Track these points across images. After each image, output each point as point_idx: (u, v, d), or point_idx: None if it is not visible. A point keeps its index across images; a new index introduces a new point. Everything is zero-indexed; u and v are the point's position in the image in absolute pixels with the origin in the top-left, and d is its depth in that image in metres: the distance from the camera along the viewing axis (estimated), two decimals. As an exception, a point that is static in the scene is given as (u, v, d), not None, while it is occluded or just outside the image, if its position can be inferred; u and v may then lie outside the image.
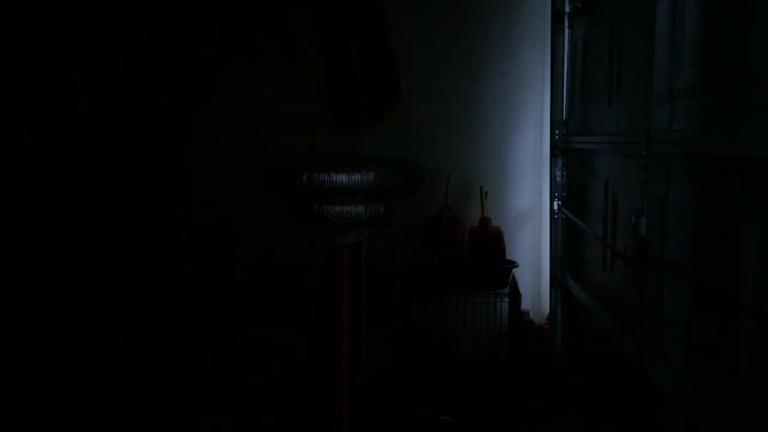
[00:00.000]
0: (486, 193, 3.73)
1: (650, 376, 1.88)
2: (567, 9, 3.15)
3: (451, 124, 3.97)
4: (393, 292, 3.46)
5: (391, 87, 3.90)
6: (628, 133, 2.16)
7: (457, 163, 3.91)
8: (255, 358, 3.38)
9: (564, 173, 3.18)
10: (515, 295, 3.31)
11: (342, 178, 1.49)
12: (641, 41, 2.01)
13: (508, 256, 3.68)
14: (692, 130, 1.66)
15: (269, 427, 3.07)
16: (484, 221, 3.70)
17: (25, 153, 3.17)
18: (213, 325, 3.65)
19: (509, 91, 3.93)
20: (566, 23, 3.16)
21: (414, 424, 3.07)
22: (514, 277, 3.45)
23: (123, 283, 3.50)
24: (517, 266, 3.47)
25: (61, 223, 3.30)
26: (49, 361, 3.14)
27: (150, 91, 3.86)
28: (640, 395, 1.97)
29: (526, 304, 3.70)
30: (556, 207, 3.22)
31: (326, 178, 1.49)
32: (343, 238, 1.68)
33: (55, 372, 3.14)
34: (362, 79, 3.89)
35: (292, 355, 3.37)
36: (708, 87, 1.59)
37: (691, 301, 1.70)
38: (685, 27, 1.70)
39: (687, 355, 1.71)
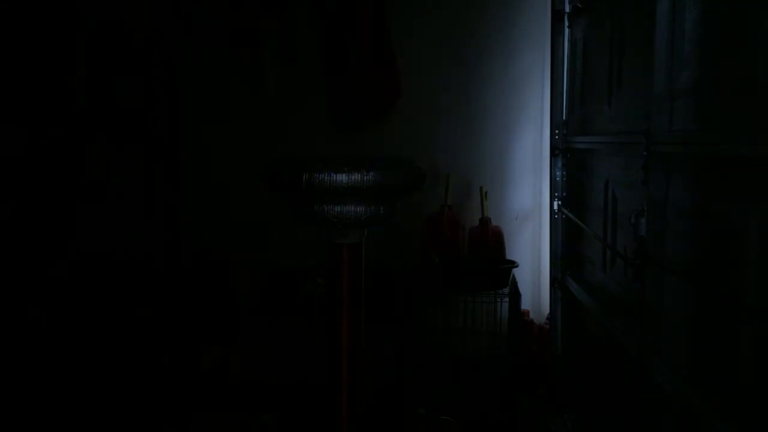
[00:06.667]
0: (486, 193, 3.73)
1: (650, 376, 1.88)
2: (567, 9, 3.15)
3: (451, 123, 3.97)
4: (393, 292, 3.46)
5: (391, 87, 3.90)
6: (628, 133, 2.16)
7: (457, 163, 3.91)
8: (255, 358, 3.38)
9: (564, 173, 3.18)
10: (515, 295, 3.31)
11: (342, 178, 1.48)
12: (641, 41, 2.01)
13: (508, 256, 3.68)
14: (692, 130, 1.66)
15: (269, 427, 3.06)
16: (484, 221, 3.70)
17: (23, 150, 3.17)
18: (213, 325, 3.65)
19: (509, 90, 3.93)
20: (566, 23, 3.16)
21: (414, 424, 3.06)
22: (514, 277, 3.45)
23: (122, 282, 3.50)
24: (517, 266, 3.47)
25: (59, 222, 3.30)
26: (48, 361, 3.14)
27: (150, 90, 3.86)
28: (640, 395, 1.97)
29: (526, 304, 3.70)
30: (556, 207, 3.22)
31: (326, 178, 1.49)
32: (342, 238, 1.67)
33: (55, 372, 3.14)
34: (362, 79, 3.89)
35: (292, 355, 3.37)
36: (708, 87, 1.59)
37: (691, 301, 1.70)
38: (685, 27, 1.70)
39: (687, 355, 1.71)
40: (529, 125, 3.92)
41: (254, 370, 3.36)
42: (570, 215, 3.00)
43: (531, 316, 3.79)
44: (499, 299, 3.40)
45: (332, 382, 1.89)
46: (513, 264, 3.48)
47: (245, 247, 3.94)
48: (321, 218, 1.59)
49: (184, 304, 3.75)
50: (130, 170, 3.69)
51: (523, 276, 3.68)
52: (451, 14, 3.93)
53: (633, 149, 2.05)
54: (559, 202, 3.20)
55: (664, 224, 1.83)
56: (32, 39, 3.12)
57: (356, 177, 1.48)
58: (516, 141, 3.95)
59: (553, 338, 3.31)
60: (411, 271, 3.60)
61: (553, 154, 3.23)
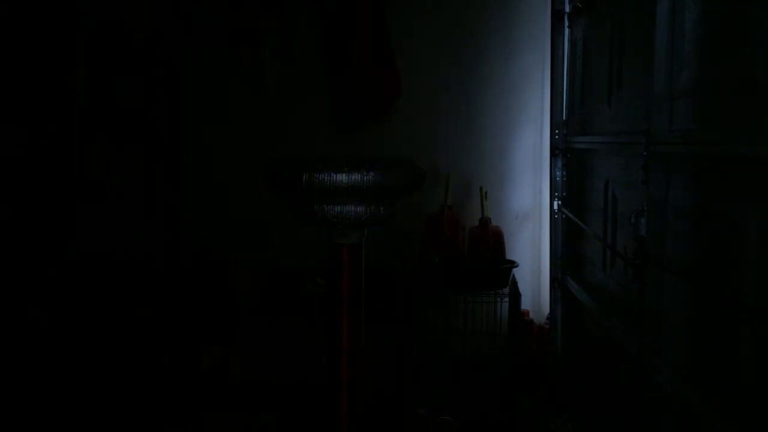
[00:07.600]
0: (486, 193, 3.73)
1: (650, 376, 1.88)
2: (567, 9, 3.15)
3: (451, 123, 3.97)
4: (393, 292, 3.46)
5: (391, 87, 3.90)
6: (628, 133, 2.16)
7: (457, 163, 3.91)
8: (255, 358, 3.38)
9: (564, 173, 3.18)
10: (515, 295, 3.31)
11: (342, 178, 1.48)
12: (641, 41, 2.01)
13: (508, 256, 3.68)
14: (692, 130, 1.66)
15: (269, 427, 3.06)
16: (484, 221, 3.70)
17: (23, 150, 3.17)
18: (213, 325, 3.65)
19: (509, 90, 3.93)
20: (566, 23, 3.16)
21: (414, 424, 3.06)
22: (514, 277, 3.45)
23: (122, 282, 3.50)
24: (517, 266, 3.47)
25: (59, 222, 3.30)
26: (48, 361, 3.14)
27: (150, 90, 3.86)
28: (640, 395, 1.97)
29: (526, 304, 3.70)
30: (556, 207, 3.22)
31: (326, 178, 1.49)
32: (342, 238, 1.67)
33: (55, 372, 3.14)
34: (362, 79, 3.89)
35: (292, 355, 3.37)
36: (708, 87, 1.59)
37: (691, 301, 1.70)
38: (685, 27, 1.70)
39: (687, 355, 1.71)
40: (529, 125, 3.92)
41: (254, 370, 3.36)
42: (570, 215, 3.00)
43: (531, 316, 3.79)
44: (499, 299, 3.40)
45: (332, 382, 1.89)
46: (513, 264, 3.48)
47: (245, 247, 3.93)
48: (321, 218, 1.59)
49: (184, 304, 3.75)
50: (130, 170, 3.69)
51: (523, 276, 3.68)
52: (451, 14, 3.93)
53: (633, 149, 2.05)
54: (559, 202, 3.20)
55: (664, 224, 1.83)
56: (32, 39, 3.12)
57: (356, 177, 1.48)
58: (516, 141, 3.95)
59: (553, 338, 3.31)
60: (411, 271, 3.60)
61: (553, 154, 3.23)
